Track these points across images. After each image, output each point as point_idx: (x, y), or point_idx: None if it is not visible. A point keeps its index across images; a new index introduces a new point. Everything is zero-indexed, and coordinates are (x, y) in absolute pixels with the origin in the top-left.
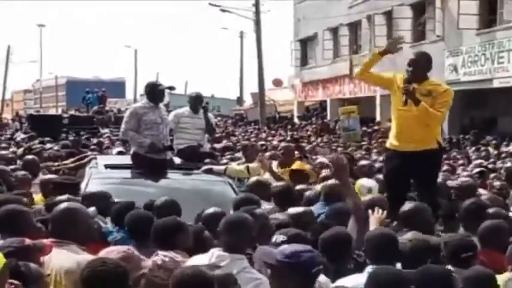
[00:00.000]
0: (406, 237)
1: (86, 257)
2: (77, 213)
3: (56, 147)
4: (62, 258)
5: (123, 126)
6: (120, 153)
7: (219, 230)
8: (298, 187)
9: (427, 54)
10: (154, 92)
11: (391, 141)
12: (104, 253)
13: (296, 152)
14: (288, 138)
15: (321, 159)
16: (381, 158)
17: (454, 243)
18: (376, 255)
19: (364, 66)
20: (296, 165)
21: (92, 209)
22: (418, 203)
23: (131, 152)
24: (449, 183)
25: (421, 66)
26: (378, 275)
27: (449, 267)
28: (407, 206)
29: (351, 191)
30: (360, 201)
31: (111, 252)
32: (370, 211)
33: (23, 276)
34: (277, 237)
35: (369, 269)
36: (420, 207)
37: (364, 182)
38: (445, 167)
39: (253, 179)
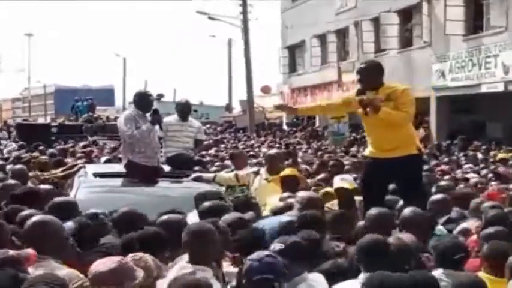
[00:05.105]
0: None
1: (63, 272)
2: (46, 225)
3: (44, 157)
4: None
5: (127, 131)
6: (107, 161)
7: (183, 240)
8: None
9: (375, 61)
10: (145, 100)
11: (369, 149)
12: (96, 264)
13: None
14: (277, 145)
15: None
16: None
17: (445, 245)
18: (369, 263)
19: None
20: (286, 171)
21: (69, 224)
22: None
23: (124, 160)
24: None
25: (371, 73)
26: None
27: (441, 269)
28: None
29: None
30: None
31: (104, 263)
32: None
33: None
34: (275, 245)
35: (362, 275)
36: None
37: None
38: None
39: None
